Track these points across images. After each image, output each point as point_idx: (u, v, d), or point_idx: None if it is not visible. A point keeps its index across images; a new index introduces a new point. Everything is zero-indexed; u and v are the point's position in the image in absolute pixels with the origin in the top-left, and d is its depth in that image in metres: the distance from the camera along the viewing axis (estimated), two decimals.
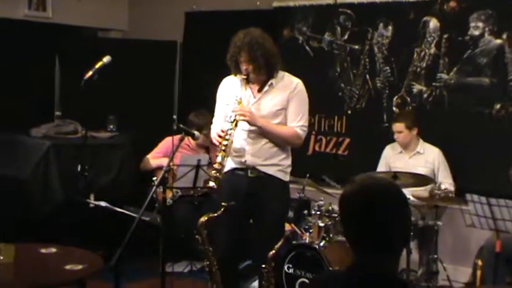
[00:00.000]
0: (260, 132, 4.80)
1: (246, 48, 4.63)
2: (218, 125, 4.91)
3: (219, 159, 4.58)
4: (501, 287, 5.41)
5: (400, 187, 2.52)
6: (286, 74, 4.89)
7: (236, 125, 4.68)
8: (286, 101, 4.79)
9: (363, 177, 2.61)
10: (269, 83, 4.79)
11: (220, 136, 4.66)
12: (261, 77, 4.77)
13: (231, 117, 4.71)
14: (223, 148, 4.61)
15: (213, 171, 4.56)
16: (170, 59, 8.15)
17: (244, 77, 4.74)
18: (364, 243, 2.40)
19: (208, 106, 5.17)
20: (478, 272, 5.40)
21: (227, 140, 4.63)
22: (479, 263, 5.46)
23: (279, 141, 4.84)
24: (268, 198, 4.85)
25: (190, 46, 8.24)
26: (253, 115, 4.73)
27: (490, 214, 5.34)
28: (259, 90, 4.83)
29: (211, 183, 4.52)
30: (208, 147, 6.50)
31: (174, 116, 7.69)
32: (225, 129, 4.67)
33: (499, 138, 6.51)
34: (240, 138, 4.82)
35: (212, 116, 5.12)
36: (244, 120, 4.71)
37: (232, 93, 4.86)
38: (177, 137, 4.83)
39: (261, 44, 4.67)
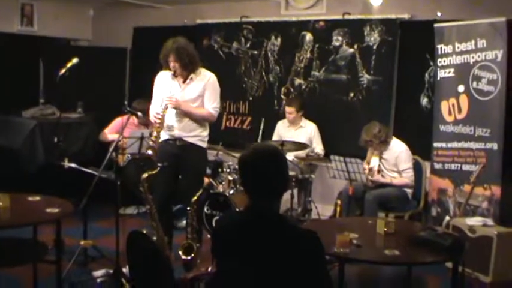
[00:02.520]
0: (184, 113, 4.74)
1: (174, 51, 4.56)
2: (155, 107, 4.82)
3: (154, 133, 4.52)
4: (351, 217, 5.48)
5: (282, 151, 2.61)
6: (203, 69, 4.81)
7: (166, 108, 4.62)
8: (203, 90, 4.73)
9: (255, 144, 2.69)
10: (190, 77, 4.70)
11: (156, 116, 4.63)
12: (185, 72, 4.69)
13: (163, 103, 4.67)
14: (157, 125, 4.57)
15: (150, 142, 4.50)
16: (122, 61, 8.07)
17: (173, 72, 4.67)
18: (255, 190, 2.41)
19: (149, 94, 5.11)
20: (338, 208, 5.47)
21: (160, 119, 4.60)
22: (339, 202, 5.52)
23: (198, 119, 4.77)
24: (191, 159, 4.79)
25: (137, 52, 8.05)
26: (178, 102, 4.66)
27: (345, 169, 5.48)
28: (184, 82, 4.74)
29: (149, 152, 4.45)
30: (147, 124, 6.38)
31: (125, 102, 7.58)
32: (160, 112, 4.61)
33: (353, 117, 6.55)
34: (171, 117, 4.75)
35: (149, 103, 5.06)
36: (171, 106, 4.66)
37: (164, 83, 4.78)
38: (125, 117, 4.79)
39: (185, 49, 4.60)
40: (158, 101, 4.84)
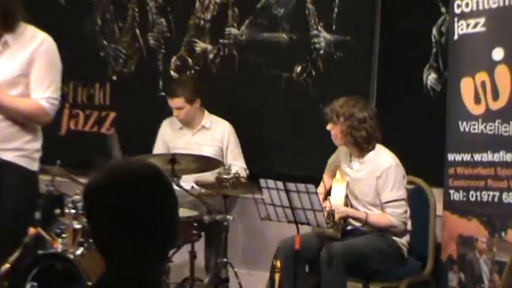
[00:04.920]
0: None
1: None
2: None
3: None
4: None
5: (162, 172, 2.53)
6: (30, 27, 4.68)
7: None
8: (27, 64, 4.61)
9: (114, 162, 2.69)
10: (3, 40, 4.58)
11: None
12: None
13: None
14: None
15: None
16: None
17: None
18: (115, 244, 2.42)
19: None
20: (276, 276, 5.51)
21: None
22: (278, 264, 5.54)
23: (19, 118, 4.68)
24: (4, 193, 4.69)
25: None
26: None
27: (288, 203, 5.45)
28: None
29: None
30: None
31: None
32: None
33: (300, 108, 6.69)
34: None
35: None
36: None
37: None
38: None
39: None
40: None
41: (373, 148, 5.77)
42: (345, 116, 5.64)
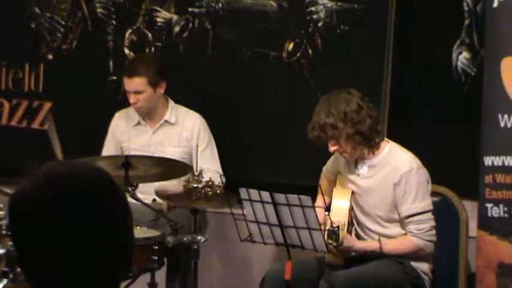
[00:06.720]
0: None
1: None
2: None
3: None
4: None
5: (113, 179, 2.43)
6: None
7: None
8: None
9: (49, 165, 2.43)
10: None
11: None
12: None
13: None
14: None
15: None
16: None
17: None
18: (50, 273, 2.35)
19: None
20: None
21: None
22: None
23: None
24: None
25: None
26: None
27: (276, 220, 5.49)
28: None
29: None
30: None
31: None
32: None
33: (292, 98, 6.77)
34: None
35: None
36: None
37: None
38: None
39: None
40: None
41: (382, 139, 5.78)
42: (341, 118, 5.64)
